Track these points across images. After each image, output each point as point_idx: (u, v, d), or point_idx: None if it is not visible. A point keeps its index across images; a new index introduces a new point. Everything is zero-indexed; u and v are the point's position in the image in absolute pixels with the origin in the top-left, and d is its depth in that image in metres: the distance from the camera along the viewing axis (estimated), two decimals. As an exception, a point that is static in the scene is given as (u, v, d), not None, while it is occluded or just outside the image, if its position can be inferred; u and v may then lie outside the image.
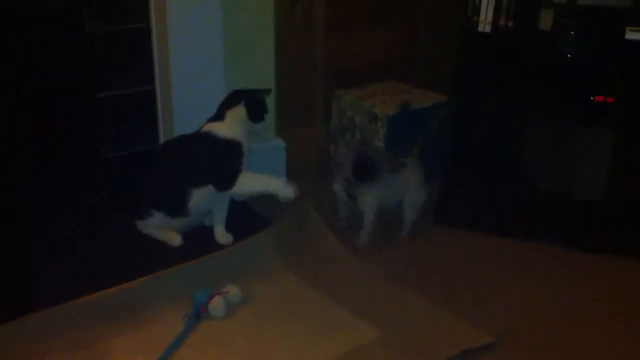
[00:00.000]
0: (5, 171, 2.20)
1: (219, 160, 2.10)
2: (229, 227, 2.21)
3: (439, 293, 2.02)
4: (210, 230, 2.20)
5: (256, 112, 2.14)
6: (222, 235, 2.20)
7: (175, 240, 2.14)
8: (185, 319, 1.85)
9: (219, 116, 2.14)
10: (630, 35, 2.11)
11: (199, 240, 2.16)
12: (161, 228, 2.15)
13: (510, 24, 2.23)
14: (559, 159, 2.35)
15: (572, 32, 2.18)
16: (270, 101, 2.25)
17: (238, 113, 2.13)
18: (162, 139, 2.42)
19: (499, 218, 2.35)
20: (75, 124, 2.32)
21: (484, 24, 2.23)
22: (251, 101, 2.14)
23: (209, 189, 2.11)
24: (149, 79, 2.37)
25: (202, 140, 2.11)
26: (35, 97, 2.23)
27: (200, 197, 2.11)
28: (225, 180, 2.09)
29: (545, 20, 2.20)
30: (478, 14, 2.23)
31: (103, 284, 1.90)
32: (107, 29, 2.29)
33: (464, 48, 2.31)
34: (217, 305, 1.88)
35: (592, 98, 2.17)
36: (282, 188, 2.07)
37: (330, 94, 2.76)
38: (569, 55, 2.18)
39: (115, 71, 2.34)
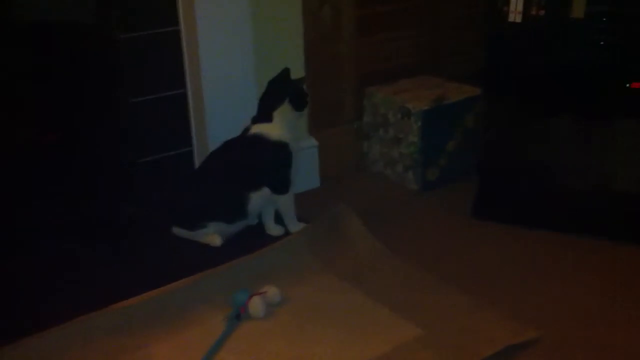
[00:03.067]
0: (39, 179, 2.22)
1: (275, 165, 2.16)
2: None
3: (480, 289, 2.00)
4: (244, 230, 2.21)
5: (300, 103, 2.18)
6: (272, 228, 2.24)
7: (217, 241, 2.15)
8: (226, 320, 1.85)
9: (266, 117, 2.15)
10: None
11: (236, 241, 2.17)
12: (205, 233, 2.16)
13: (542, 13, 2.19)
14: (597, 150, 2.30)
15: (605, 19, 2.14)
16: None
17: (285, 111, 2.15)
18: (194, 142, 2.43)
19: (538, 212, 2.31)
20: (108, 130, 2.35)
21: (515, 14, 2.20)
22: (294, 95, 2.16)
23: (265, 191, 2.15)
24: (181, 83, 2.38)
25: (255, 144, 2.14)
26: (67, 103, 2.25)
27: (257, 200, 2.15)
28: (282, 183, 2.17)
29: (578, 8, 2.17)
30: (508, 4, 2.20)
31: (140, 289, 1.91)
32: (136, 34, 2.30)
33: (494, 39, 2.29)
34: (256, 305, 1.88)
35: (628, 85, 2.13)
36: (294, 219, 2.22)
37: (362, 91, 2.75)
38: (602, 43, 2.14)
39: (146, 76, 2.35)
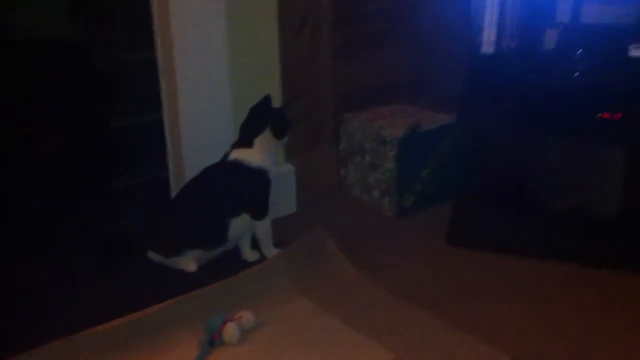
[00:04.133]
0: (17, 203, 2.22)
1: (254, 191, 2.17)
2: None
3: (456, 314, 2.01)
4: (220, 255, 2.21)
5: (282, 131, 2.20)
6: (249, 253, 2.25)
7: (192, 267, 2.15)
8: (199, 345, 1.85)
9: (246, 143, 2.17)
10: (634, 52, 2.13)
11: (210, 266, 2.18)
12: (181, 259, 2.16)
13: (514, 44, 2.24)
14: (571, 177, 2.35)
15: (577, 51, 2.19)
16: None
17: (266, 138, 2.17)
18: (171, 167, 2.43)
19: (512, 238, 2.34)
20: (86, 154, 2.35)
21: (488, 45, 2.25)
22: (276, 123, 2.18)
23: (244, 217, 2.17)
24: (158, 109, 2.39)
25: (234, 170, 2.16)
26: (47, 129, 2.25)
27: (237, 225, 2.16)
28: (261, 209, 2.18)
29: (549, 40, 2.22)
30: (481, 35, 2.25)
31: (116, 313, 1.91)
32: (116, 60, 2.32)
33: (469, 69, 2.33)
34: (230, 331, 1.88)
35: (599, 115, 2.18)
36: (270, 244, 2.23)
37: (339, 117, 2.77)
38: (575, 74, 2.19)
39: (124, 101, 2.36)
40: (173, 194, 2.41)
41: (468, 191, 2.40)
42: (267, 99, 2.20)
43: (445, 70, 2.86)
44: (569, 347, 1.88)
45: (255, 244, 2.26)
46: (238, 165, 2.16)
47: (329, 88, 2.73)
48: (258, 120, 2.19)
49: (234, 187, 2.18)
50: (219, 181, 2.19)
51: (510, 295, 2.13)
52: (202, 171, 2.20)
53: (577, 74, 2.18)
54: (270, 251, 2.25)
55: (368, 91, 2.82)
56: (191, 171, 2.25)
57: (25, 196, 2.25)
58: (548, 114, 2.23)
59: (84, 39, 2.30)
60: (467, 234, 2.39)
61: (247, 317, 1.93)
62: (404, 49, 2.87)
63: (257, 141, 2.17)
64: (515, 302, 2.09)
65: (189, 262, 2.15)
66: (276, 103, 2.27)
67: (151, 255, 2.18)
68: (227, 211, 2.15)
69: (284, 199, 2.55)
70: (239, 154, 2.17)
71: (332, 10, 2.65)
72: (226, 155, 2.20)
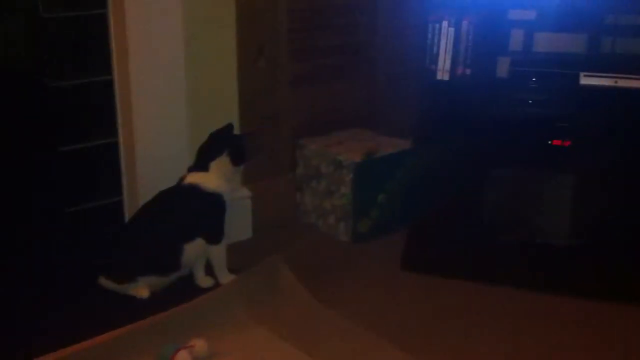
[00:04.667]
0: None
1: (209, 215, 2.16)
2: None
3: (414, 342, 2.00)
4: (173, 281, 2.18)
5: (239, 158, 2.19)
6: (202, 279, 2.23)
7: (144, 293, 2.12)
8: (151, 375, 1.81)
9: (202, 167, 2.16)
10: (585, 80, 2.18)
11: (164, 292, 2.14)
12: (133, 285, 2.12)
13: (468, 71, 2.27)
14: (523, 204, 2.38)
15: (528, 79, 2.23)
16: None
17: (222, 162, 2.16)
18: (125, 191, 2.40)
19: (467, 263, 2.35)
20: (36, 178, 2.30)
21: (442, 72, 2.28)
22: (234, 149, 2.17)
23: (199, 242, 2.14)
24: (113, 131, 2.36)
25: (189, 194, 2.14)
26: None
27: (191, 251, 2.14)
28: (216, 233, 2.16)
29: (502, 68, 2.26)
30: (436, 63, 2.28)
31: (64, 342, 1.86)
32: (70, 82, 2.29)
33: (423, 96, 2.35)
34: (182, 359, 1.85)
35: (550, 142, 2.22)
36: (224, 270, 2.21)
37: (295, 143, 2.78)
38: (528, 102, 2.23)
39: (77, 123, 2.33)
40: (127, 218, 2.37)
41: (423, 218, 2.41)
42: (229, 127, 2.20)
43: (401, 97, 2.89)
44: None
45: (209, 270, 2.24)
46: (193, 189, 2.14)
47: (286, 116, 2.74)
48: (216, 144, 2.18)
49: (188, 212, 2.15)
50: (173, 205, 2.16)
51: (467, 321, 2.13)
52: (156, 195, 2.18)
53: (528, 102, 2.22)
54: (225, 277, 2.22)
55: (326, 118, 2.84)
56: (146, 195, 2.23)
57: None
58: (501, 141, 2.26)
59: (36, 60, 2.27)
60: (421, 260, 2.39)
61: (199, 345, 1.89)
62: (360, 78, 2.90)
63: (214, 165, 2.16)
64: (472, 328, 2.09)
65: (141, 289, 2.11)
66: (235, 130, 2.26)
67: (103, 281, 2.14)
68: (181, 236, 2.13)
69: (240, 224, 2.53)
70: (194, 178, 2.16)
71: (288, 43, 2.68)
72: (181, 179, 2.18)
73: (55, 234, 2.33)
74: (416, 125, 2.40)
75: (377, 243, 2.61)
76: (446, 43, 2.27)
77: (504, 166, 2.32)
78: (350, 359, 1.92)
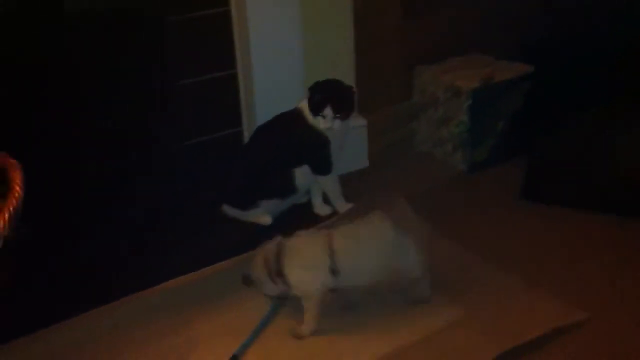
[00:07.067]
0: (88, 164, 2.22)
1: (310, 146, 2.15)
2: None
3: (528, 270, 1.98)
4: (292, 209, 2.24)
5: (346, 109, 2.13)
6: (320, 207, 2.26)
7: (267, 219, 2.18)
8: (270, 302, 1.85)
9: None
10: None
11: (283, 221, 2.19)
12: (256, 212, 2.18)
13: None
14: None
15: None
16: (351, 81, 2.27)
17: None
18: (244, 123, 2.45)
19: (588, 193, 2.27)
20: (157, 113, 2.37)
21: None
22: (340, 100, 2.11)
23: (307, 168, 2.16)
24: (231, 64, 2.40)
25: (295, 122, 2.14)
26: (117, 88, 2.26)
27: (302, 175, 2.17)
28: (322, 165, 2.17)
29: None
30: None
31: (180, 271, 1.98)
32: (186, 16, 2.31)
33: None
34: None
35: None
36: (340, 198, 2.20)
37: (411, 70, 2.73)
38: None
39: (195, 57, 2.37)
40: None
41: (545, 146, 2.33)
42: (338, 83, 2.14)
43: (520, 18, 2.76)
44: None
45: (328, 198, 2.27)
46: (298, 116, 2.13)
47: (399, 43, 2.68)
48: (322, 96, 2.10)
49: (291, 139, 2.16)
50: (279, 132, 2.18)
51: (584, 251, 2.09)
52: (271, 119, 2.20)
53: None
54: (342, 206, 2.25)
55: (439, 46, 2.76)
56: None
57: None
58: (629, 71, 2.13)
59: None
60: (542, 189, 2.33)
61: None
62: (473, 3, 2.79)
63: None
64: (587, 259, 2.04)
65: (263, 215, 2.18)
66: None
67: (226, 210, 2.22)
68: (288, 161, 2.15)
69: (356, 153, 2.54)
70: (303, 105, 2.14)
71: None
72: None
73: (177, 166, 2.37)
74: (539, 46, 2.27)
75: (495, 172, 2.56)
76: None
77: (631, 95, 2.18)
78: (464, 284, 1.92)
